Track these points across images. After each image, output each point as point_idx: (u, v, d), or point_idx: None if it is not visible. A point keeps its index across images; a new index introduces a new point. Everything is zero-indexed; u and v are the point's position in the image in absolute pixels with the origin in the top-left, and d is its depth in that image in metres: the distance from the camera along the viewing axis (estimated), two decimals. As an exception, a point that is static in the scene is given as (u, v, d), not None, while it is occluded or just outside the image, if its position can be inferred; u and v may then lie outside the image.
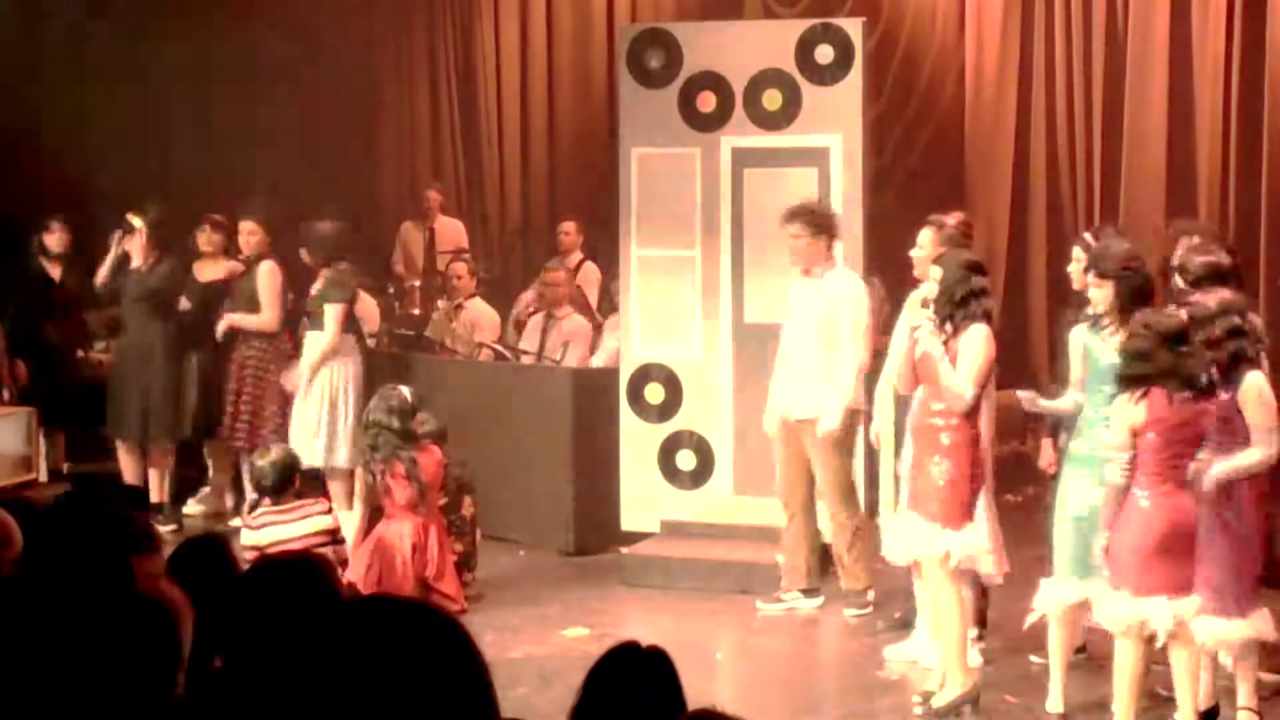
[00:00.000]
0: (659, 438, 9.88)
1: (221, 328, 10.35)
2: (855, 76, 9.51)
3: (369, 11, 13.91)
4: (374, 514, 8.88)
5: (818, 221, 8.59)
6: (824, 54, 9.57)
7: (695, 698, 3.36)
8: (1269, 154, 11.18)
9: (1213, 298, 6.57)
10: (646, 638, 3.52)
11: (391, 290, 12.77)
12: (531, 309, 11.74)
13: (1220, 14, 11.31)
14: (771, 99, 9.63)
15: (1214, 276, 6.93)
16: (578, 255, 12.51)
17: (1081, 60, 11.90)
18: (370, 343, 11.51)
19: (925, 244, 7.93)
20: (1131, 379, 6.28)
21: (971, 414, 7.01)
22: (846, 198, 9.31)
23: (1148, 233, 10.50)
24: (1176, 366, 6.21)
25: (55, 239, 10.72)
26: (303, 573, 3.19)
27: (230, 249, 10.62)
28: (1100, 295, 6.94)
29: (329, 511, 8.27)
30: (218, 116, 12.53)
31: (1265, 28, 11.21)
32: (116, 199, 10.80)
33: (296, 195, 11.58)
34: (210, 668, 3.30)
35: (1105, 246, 7.29)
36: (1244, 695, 6.58)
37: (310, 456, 9.49)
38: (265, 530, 7.95)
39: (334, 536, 8.10)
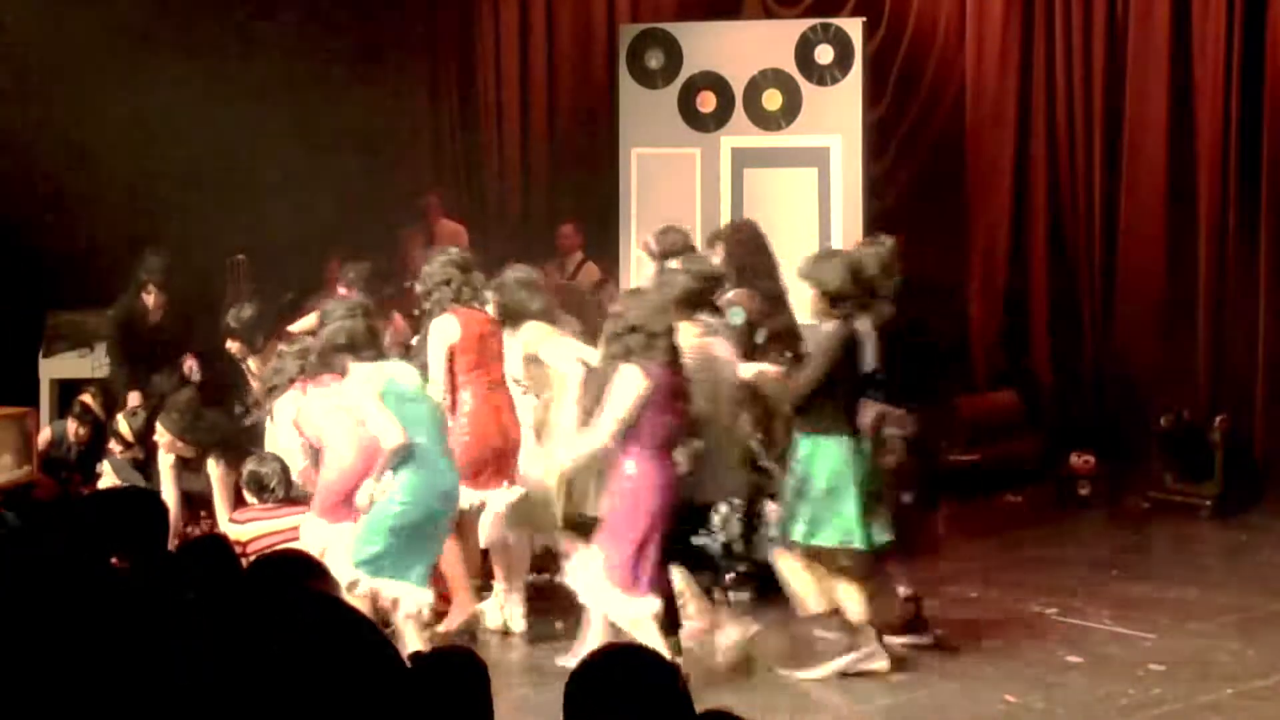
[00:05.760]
0: (659, 438, 9.86)
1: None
2: (855, 77, 9.53)
3: (367, 10, 13.90)
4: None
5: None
6: (824, 54, 9.58)
7: (695, 699, 3.36)
8: (1269, 154, 11.18)
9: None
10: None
11: (392, 291, 12.75)
12: None
13: (1220, 14, 11.31)
14: (771, 99, 9.64)
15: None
16: (578, 256, 12.51)
17: (1081, 60, 11.90)
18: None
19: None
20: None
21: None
22: (846, 198, 9.32)
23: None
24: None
25: (153, 299, 10.67)
26: (304, 571, 3.20)
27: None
28: None
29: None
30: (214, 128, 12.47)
31: (1265, 27, 11.22)
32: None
33: (296, 199, 11.58)
34: (211, 665, 3.30)
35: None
36: None
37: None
38: (250, 525, 8.17)
39: None
